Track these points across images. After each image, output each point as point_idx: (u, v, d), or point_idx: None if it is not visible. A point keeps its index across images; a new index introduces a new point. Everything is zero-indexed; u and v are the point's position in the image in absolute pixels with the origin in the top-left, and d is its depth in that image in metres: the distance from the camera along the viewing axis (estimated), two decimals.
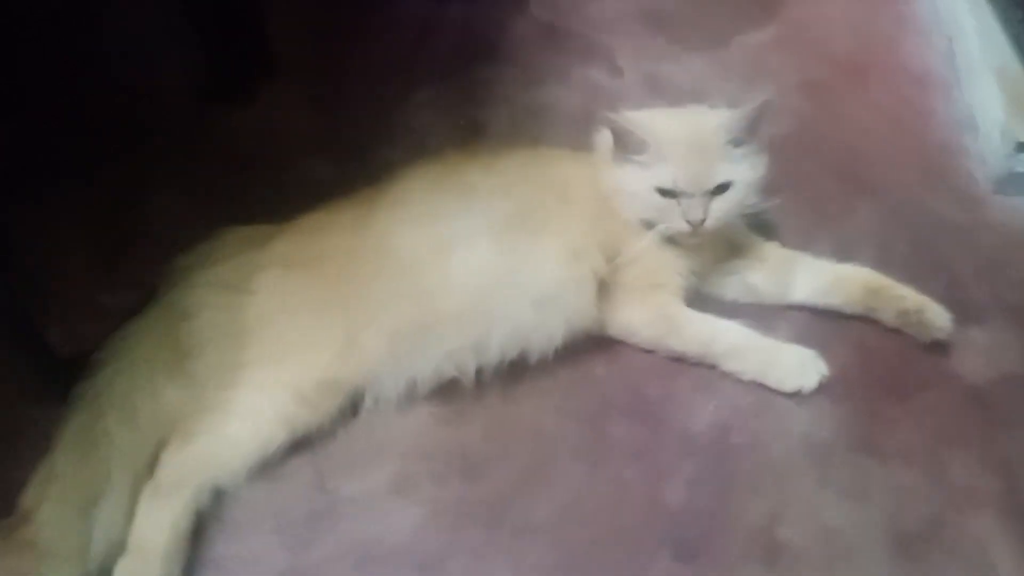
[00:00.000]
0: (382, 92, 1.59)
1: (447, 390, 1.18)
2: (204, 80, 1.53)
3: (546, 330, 1.16)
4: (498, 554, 1.05)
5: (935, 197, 1.45)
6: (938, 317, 1.22)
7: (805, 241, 1.35)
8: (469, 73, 1.63)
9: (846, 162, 1.51)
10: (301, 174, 1.41)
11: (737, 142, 1.20)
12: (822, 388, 1.18)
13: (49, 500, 1.01)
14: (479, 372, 1.17)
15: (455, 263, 1.15)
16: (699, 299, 1.27)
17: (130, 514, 1.04)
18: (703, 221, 1.18)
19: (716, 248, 1.27)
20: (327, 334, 1.13)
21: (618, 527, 1.07)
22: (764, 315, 1.27)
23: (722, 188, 1.19)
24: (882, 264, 1.29)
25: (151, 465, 1.07)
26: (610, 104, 1.54)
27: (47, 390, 1.12)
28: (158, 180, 1.43)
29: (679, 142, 1.18)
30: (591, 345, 1.23)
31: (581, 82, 1.64)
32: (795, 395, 1.18)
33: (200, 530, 1.06)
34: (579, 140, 1.33)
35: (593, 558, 1.04)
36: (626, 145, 1.19)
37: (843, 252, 1.32)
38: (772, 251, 1.30)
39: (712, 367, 1.21)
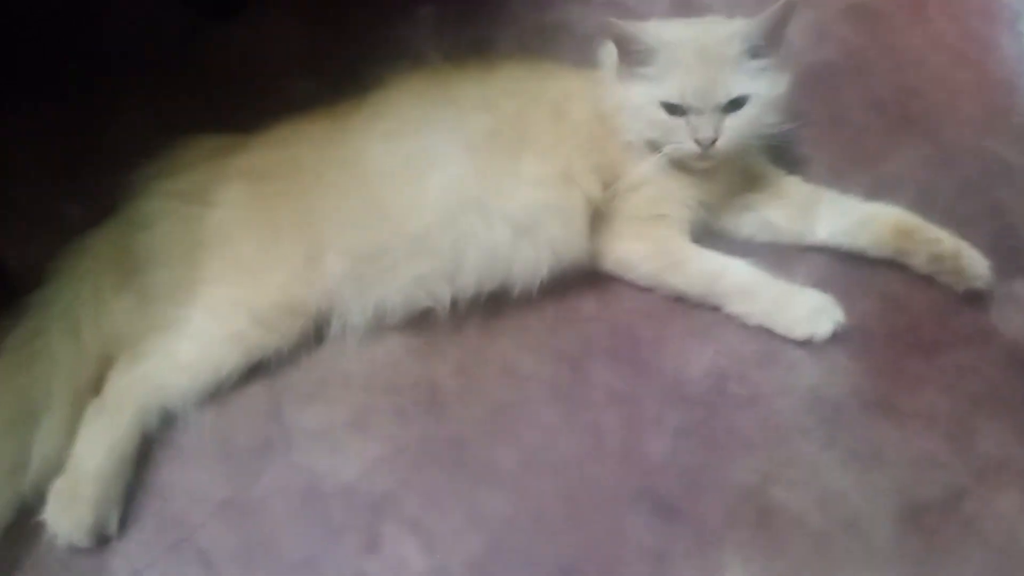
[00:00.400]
0: (381, 8, 1.47)
1: (421, 321, 1.08)
2: None
3: (527, 260, 1.05)
4: (454, 499, 0.95)
5: (991, 137, 1.28)
6: (976, 264, 1.06)
7: (838, 178, 1.20)
8: None
9: (893, 95, 1.35)
10: (287, 94, 1.30)
11: (755, 52, 1.06)
12: (839, 339, 1.05)
13: None
14: (456, 303, 1.07)
15: (427, 181, 1.04)
16: (709, 235, 1.14)
17: (70, 433, 0.97)
18: (714, 141, 1.05)
19: (730, 178, 1.13)
20: (287, 253, 1.04)
21: (590, 479, 0.96)
22: (781, 256, 1.13)
23: (737, 104, 1.05)
24: (923, 208, 1.13)
25: (96, 383, 1.01)
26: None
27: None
28: (133, 97, 1.35)
29: (688, 52, 1.05)
30: (582, 280, 1.11)
31: (604, 1, 1.50)
32: (806, 344, 1.05)
33: (146, 454, 1.00)
34: (597, 48, 1.19)
35: (558, 512, 0.94)
36: (630, 55, 1.06)
37: (879, 194, 1.16)
38: (794, 185, 1.16)
39: (715, 309, 1.08)
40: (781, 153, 1.20)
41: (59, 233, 1.11)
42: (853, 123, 1.31)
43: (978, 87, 1.36)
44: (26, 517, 0.93)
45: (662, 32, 1.07)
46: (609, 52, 1.12)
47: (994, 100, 1.34)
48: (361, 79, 1.30)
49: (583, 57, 1.25)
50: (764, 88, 1.06)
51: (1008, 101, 1.33)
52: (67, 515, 0.92)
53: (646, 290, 1.11)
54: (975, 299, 1.08)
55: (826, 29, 1.44)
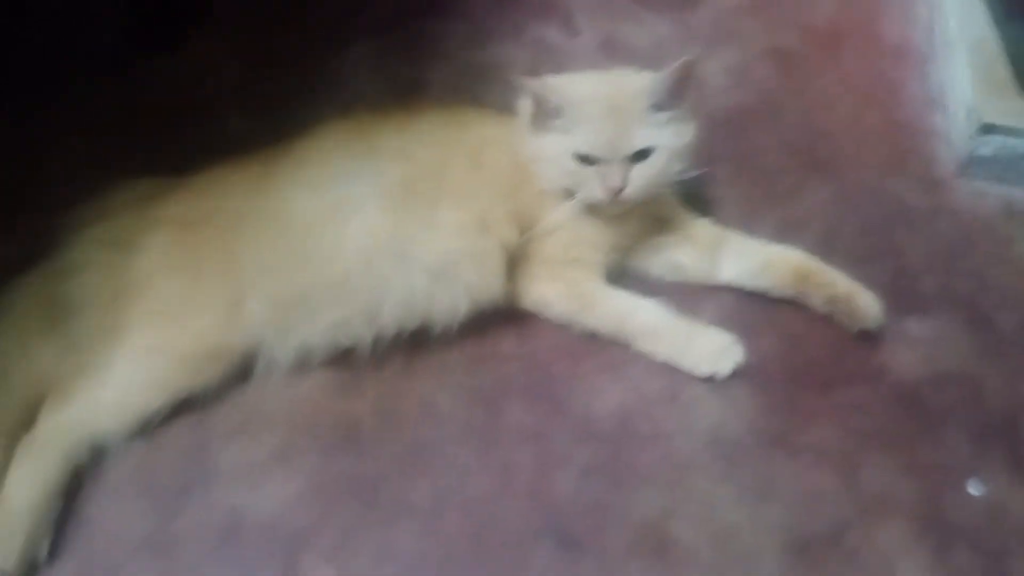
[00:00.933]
0: (318, 45, 1.52)
1: (344, 359, 1.13)
2: (127, 24, 1.46)
3: (445, 303, 1.10)
4: (368, 535, 1.00)
5: (894, 179, 1.36)
6: (869, 306, 1.14)
7: (748, 218, 1.28)
8: (414, 27, 1.56)
9: (804, 137, 1.42)
10: (217, 128, 1.35)
11: (660, 106, 1.12)
12: (740, 376, 1.12)
13: None
14: (377, 343, 1.11)
15: (346, 229, 1.09)
16: (623, 275, 1.21)
17: (3, 469, 1.00)
18: (622, 189, 1.11)
19: (641, 222, 1.19)
20: (210, 299, 1.08)
21: (499, 516, 1.01)
22: (690, 295, 1.20)
23: (643, 155, 1.11)
24: (827, 247, 1.22)
25: (27, 421, 1.04)
26: (561, 66, 1.47)
27: None
28: (69, 132, 1.38)
29: (597, 106, 1.11)
30: (504, 318, 1.17)
31: (534, 41, 1.57)
32: (708, 381, 1.11)
33: (77, 486, 1.03)
34: (515, 100, 1.25)
35: (468, 547, 0.99)
36: (544, 110, 1.12)
37: (787, 232, 1.24)
38: (702, 228, 1.22)
39: (626, 347, 1.14)
40: (694, 194, 1.26)
41: None
42: (765, 165, 1.38)
43: (885, 129, 1.43)
44: None
45: (573, 88, 1.13)
46: (525, 104, 1.17)
47: (898, 142, 1.41)
48: (294, 116, 1.35)
49: (512, 97, 1.30)
50: (669, 139, 1.12)
51: (910, 144, 1.41)
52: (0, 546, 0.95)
53: (563, 327, 1.17)
54: (869, 338, 1.15)
55: (744, 71, 1.51)
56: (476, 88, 1.46)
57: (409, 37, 1.54)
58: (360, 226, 1.09)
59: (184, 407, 1.08)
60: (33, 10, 1.48)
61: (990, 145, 1.30)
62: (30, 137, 1.37)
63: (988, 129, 1.29)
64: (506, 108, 1.27)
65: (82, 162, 1.32)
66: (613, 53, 1.54)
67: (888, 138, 1.41)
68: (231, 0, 1.58)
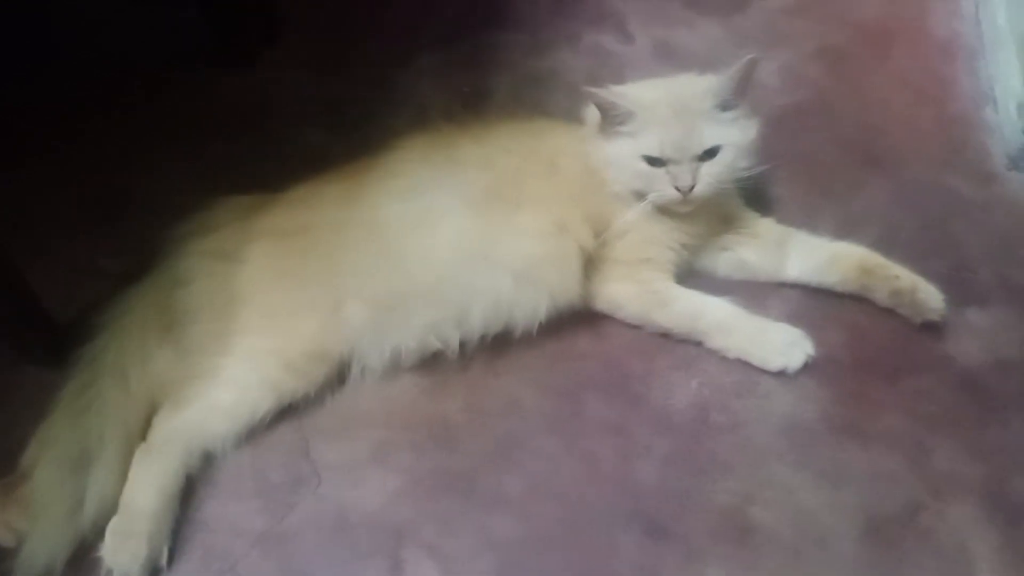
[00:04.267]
0: (385, 57, 1.59)
1: (432, 362, 1.20)
2: (205, 44, 1.54)
3: (528, 304, 1.17)
4: (467, 524, 1.07)
5: (949, 173, 1.40)
6: (931, 298, 1.19)
7: (808, 216, 1.33)
8: (475, 38, 1.62)
9: (859, 134, 1.47)
10: (299, 141, 1.43)
11: (725, 106, 1.18)
12: (810, 369, 1.17)
13: (45, 460, 1.07)
14: (463, 345, 1.18)
15: (435, 236, 1.16)
16: (691, 274, 1.26)
17: (122, 475, 1.08)
18: (692, 187, 1.17)
19: (709, 221, 1.25)
20: (314, 304, 1.15)
21: (588, 503, 1.08)
22: (757, 292, 1.25)
23: (711, 153, 1.17)
24: (887, 243, 1.26)
25: (143, 428, 1.12)
26: (617, 71, 1.54)
27: (47, 353, 1.16)
28: (154, 142, 1.46)
29: (664, 109, 1.17)
30: (578, 319, 1.23)
31: (590, 48, 1.62)
32: (780, 375, 1.17)
33: (189, 491, 1.10)
34: (581, 109, 1.31)
35: (560, 533, 1.06)
36: (611, 117, 1.18)
37: (847, 229, 1.29)
38: (767, 227, 1.28)
39: (698, 344, 1.20)
40: (756, 194, 1.32)
41: (97, 284, 1.24)
42: (823, 162, 1.42)
43: (938, 124, 1.48)
44: (84, 553, 1.04)
45: (638, 94, 1.20)
46: (592, 112, 1.23)
47: (952, 137, 1.45)
48: (368, 127, 1.42)
49: (573, 102, 1.36)
50: (735, 137, 1.18)
51: (964, 137, 1.45)
52: (124, 551, 1.03)
53: (635, 328, 1.23)
54: (932, 329, 1.20)
55: (797, 71, 1.56)
56: (537, 96, 1.53)
57: (471, 48, 1.61)
58: (448, 232, 1.16)
59: (286, 412, 1.15)
60: (113, 24, 1.56)
61: None
62: (124, 149, 1.45)
63: None
64: (567, 114, 1.34)
65: (174, 176, 1.40)
66: (667, 57, 1.59)
67: (941, 133, 1.45)
68: (301, 17, 1.64)
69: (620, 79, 1.31)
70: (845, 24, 1.64)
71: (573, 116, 1.31)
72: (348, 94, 1.54)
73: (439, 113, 1.43)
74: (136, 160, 1.44)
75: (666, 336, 1.21)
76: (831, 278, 1.23)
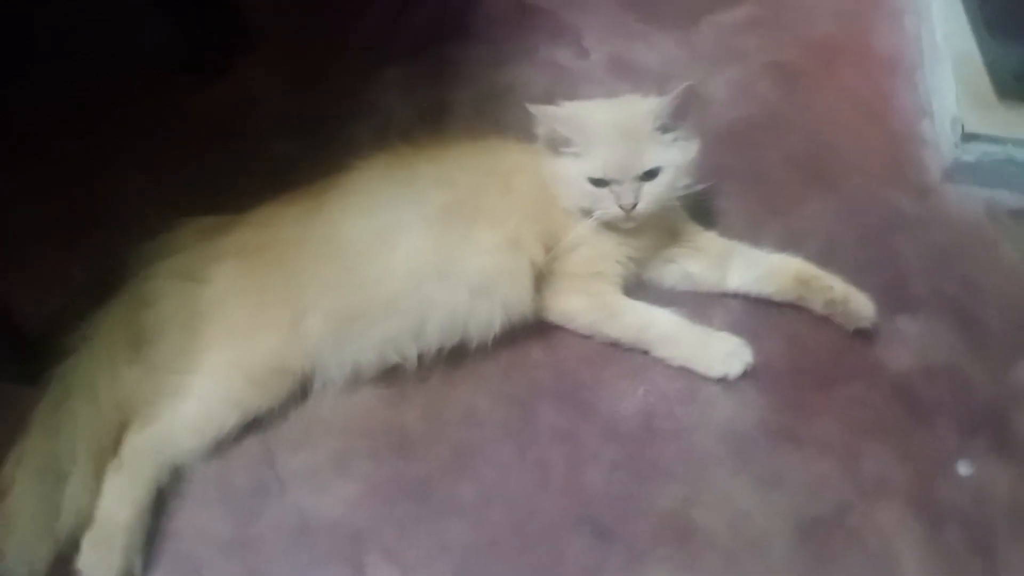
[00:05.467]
0: (354, 69, 1.63)
1: (392, 373, 1.24)
2: (174, 52, 1.56)
3: (483, 318, 1.22)
4: (424, 530, 1.12)
5: (889, 187, 1.47)
6: (863, 307, 1.26)
7: (753, 229, 1.39)
8: (439, 51, 1.67)
9: (806, 149, 1.53)
10: (265, 151, 1.47)
11: (665, 128, 1.24)
12: (749, 376, 1.23)
13: (21, 478, 1.11)
14: (421, 356, 1.24)
15: (394, 252, 1.21)
16: (639, 286, 1.32)
17: (96, 489, 1.12)
18: (635, 205, 1.23)
19: (655, 235, 1.31)
20: (275, 320, 1.19)
21: (539, 508, 1.14)
22: (701, 303, 1.31)
23: (652, 174, 1.23)
24: (827, 255, 1.33)
25: (115, 443, 1.16)
26: (572, 87, 1.59)
27: (16, 368, 1.21)
28: (122, 154, 1.50)
29: (607, 132, 1.23)
30: (531, 330, 1.28)
31: (547, 63, 1.67)
32: (721, 382, 1.23)
33: (160, 503, 1.15)
34: (534, 125, 1.36)
35: (512, 538, 1.12)
36: (556, 138, 1.24)
37: (790, 242, 1.35)
38: (710, 240, 1.34)
39: (645, 353, 1.26)
40: (702, 208, 1.38)
41: (66, 297, 1.29)
42: (769, 177, 1.49)
43: (881, 139, 1.54)
44: (61, 565, 1.08)
45: (582, 116, 1.26)
46: (541, 130, 1.29)
47: (893, 151, 1.52)
48: (332, 140, 1.47)
49: (529, 118, 1.41)
50: (675, 158, 1.25)
51: (903, 152, 1.52)
52: (100, 562, 1.07)
53: (586, 337, 1.29)
54: (865, 336, 1.27)
55: (747, 86, 1.62)
56: (496, 110, 1.58)
57: (435, 61, 1.65)
58: (407, 249, 1.21)
59: (252, 425, 1.20)
60: (81, 34, 1.59)
61: (973, 152, 1.41)
62: (90, 161, 1.49)
63: (971, 137, 1.40)
64: (524, 129, 1.39)
65: (141, 185, 1.44)
66: (622, 72, 1.65)
67: (883, 147, 1.52)
68: (271, 29, 1.68)
69: (575, 94, 1.36)
70: (795, 41, 1.70)
71: (529, 131, 1.36)
72: (316, 107, 1.58)
73: (398, 132, 1.47)
74: (104, 173, 1.48)
75: (615, 345, 1.27)
76: (770, 288, 1.30)
